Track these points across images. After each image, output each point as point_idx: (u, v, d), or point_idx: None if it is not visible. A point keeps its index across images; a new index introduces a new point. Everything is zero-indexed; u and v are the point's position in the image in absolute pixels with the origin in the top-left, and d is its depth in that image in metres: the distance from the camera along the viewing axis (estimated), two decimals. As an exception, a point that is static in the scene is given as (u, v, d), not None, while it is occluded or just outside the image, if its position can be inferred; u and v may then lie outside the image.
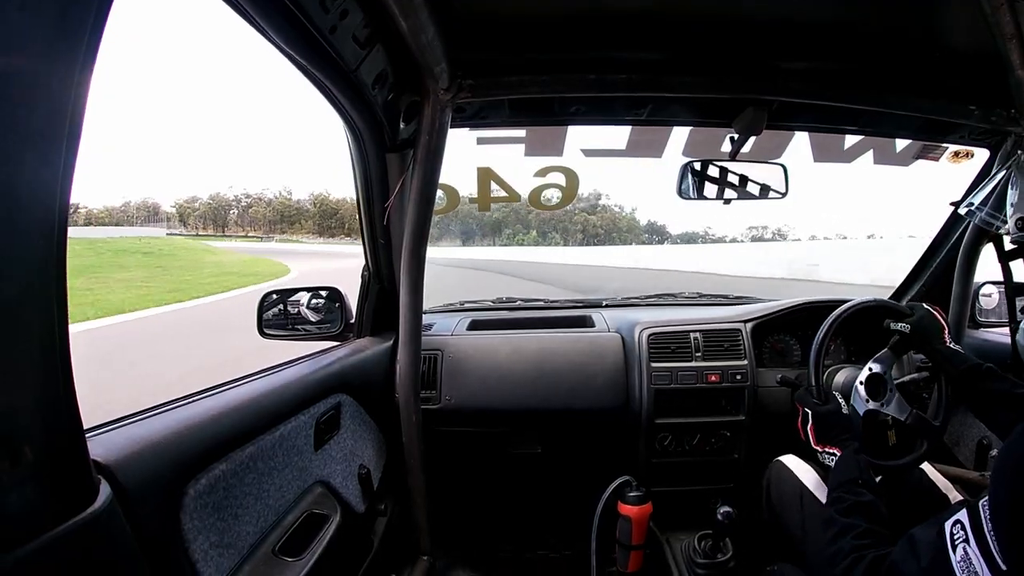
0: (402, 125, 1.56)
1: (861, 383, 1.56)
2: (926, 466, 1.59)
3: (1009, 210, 1.22)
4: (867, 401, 1.54)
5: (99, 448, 0.71)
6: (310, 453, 1.25)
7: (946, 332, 1.55)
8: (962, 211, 1.55)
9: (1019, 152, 1.14)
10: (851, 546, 1.03)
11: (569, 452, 2.23)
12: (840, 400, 1.52)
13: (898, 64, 1.56)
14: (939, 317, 1.57)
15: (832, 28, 1.42)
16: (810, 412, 1.49)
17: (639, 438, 2.06)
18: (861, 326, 1.67)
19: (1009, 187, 1.14)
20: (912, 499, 1.53)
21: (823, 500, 1.47)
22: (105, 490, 0.65)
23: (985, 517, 0.77)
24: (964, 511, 0.81)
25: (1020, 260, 1.33)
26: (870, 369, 1.57)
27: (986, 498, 0.79)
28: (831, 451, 1.39)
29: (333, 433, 1.38)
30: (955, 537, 0.80)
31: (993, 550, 0.74)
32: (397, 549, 1.76)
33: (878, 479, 1.52)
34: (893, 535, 1.04)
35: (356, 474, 1.44)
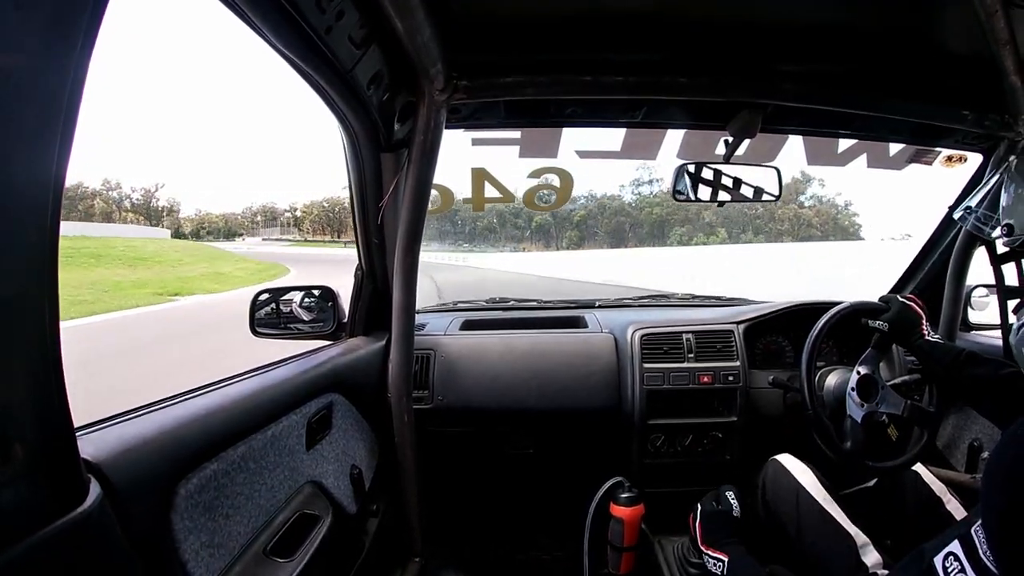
0: (397, 125, 1.56)
1: (853, 389, 1.57)
2: (921, 470, 1.60)
3: (1001, 216, 1.23)
4: (862, 405, 1.55)
5: (90, 447, 0.70)
6: (302, 453, 1.24)
7: (924, 323, 1.56)
8: (956, 216, 1.56)
9: (1012, 158, 1.15)
10: None
11: (561, 453, 2.23)
12: (732, 502, 1.54)
13: (892, 68, 1.57)
14: (915, 308, 1.58)
15: (827, 32, 1.42)
16: (699, 509, 1.53)
17: (631, 439, 2.07)
18: (851, 328, 1.67)
19: (1002, 192, 1.14)
20: (908, 503, 1.54)
21: (819, 500, 1.48)
22: (95, 489, 0.65)
23: (979, 540, 0.75)
24: (956, 542, 0.79)
25: (1012, 263, 1.33)
26: (858, 373, 1.58)
27: (979, 523, 0.78)
28: (716, 555, 1.40)
29: (325, 433, 1.37)
30: (949, 570, 0.78)
31: (991, 567, 0.73)
32: (389, 550, 1.76)
33: (872, 483, 1.53)
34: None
35: (348, 474, 1.44)
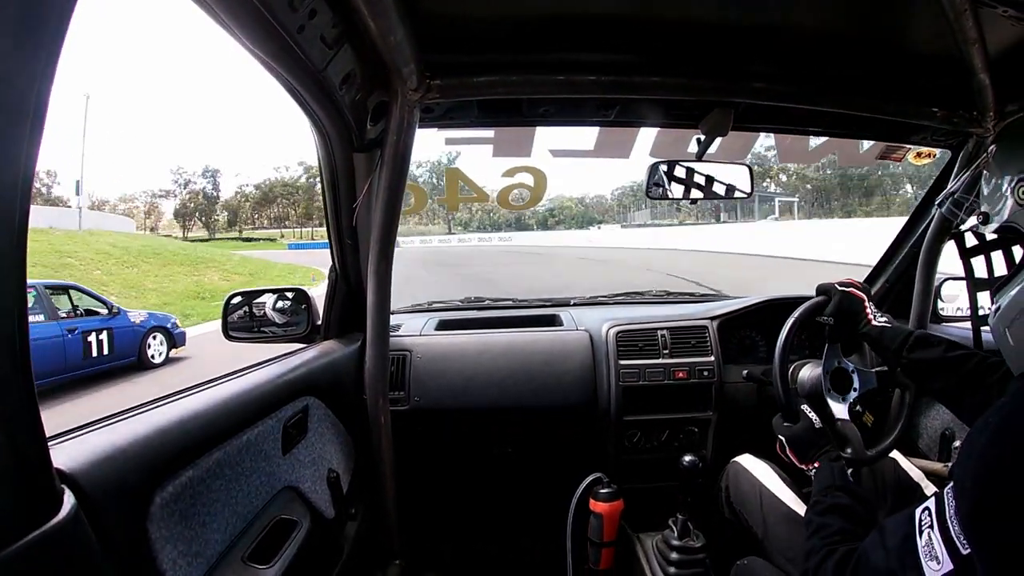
0: (370, 125, 1.55)
1: (829, 389, 1.57)
2: (899, 457, 1.63)
3: (981, 205, 1.26)
4: (843, 400, 1.57)
5: (62, 456, 0.68)
6: (278, 458, 1.23)
7: (867, 307, 1.54)
8: (937, 202, 1.58)
9: (991, 147, 1.18)
10: (824, 543, 1.05)
11: (540, 450, 2.24)
12: (810, 415, 1.47)
13: (863, 68, 1.60)
14: (855, 293, 1.56)
15: (798, 33, 1.45)
16: (783, 438, 1.47)
17: (608, 435, 2.08)
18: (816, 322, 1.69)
19: (982, 183, 1.17)
20: (887, 490, 1.57)
21: (783, 499, 1.50)
22: (69, 500, 0.63)
23: (948, 504, 0.79)
24: (932, 499, 0.84)
25: (981, 256, 1.35)
26: (827, 372, 1.59)
27: (950, 485, 0.81)
28: (812, 466, 1.37)
29: (301, 437, 1.36)
30: (922, 523, 0.83)
31: (954, 534, 0.77)
32: (369, 553, 1.74)
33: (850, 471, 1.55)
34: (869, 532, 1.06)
35: (325, 478, 1.42)
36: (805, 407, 1.50)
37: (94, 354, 8.36)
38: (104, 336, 8.53)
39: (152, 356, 9.45)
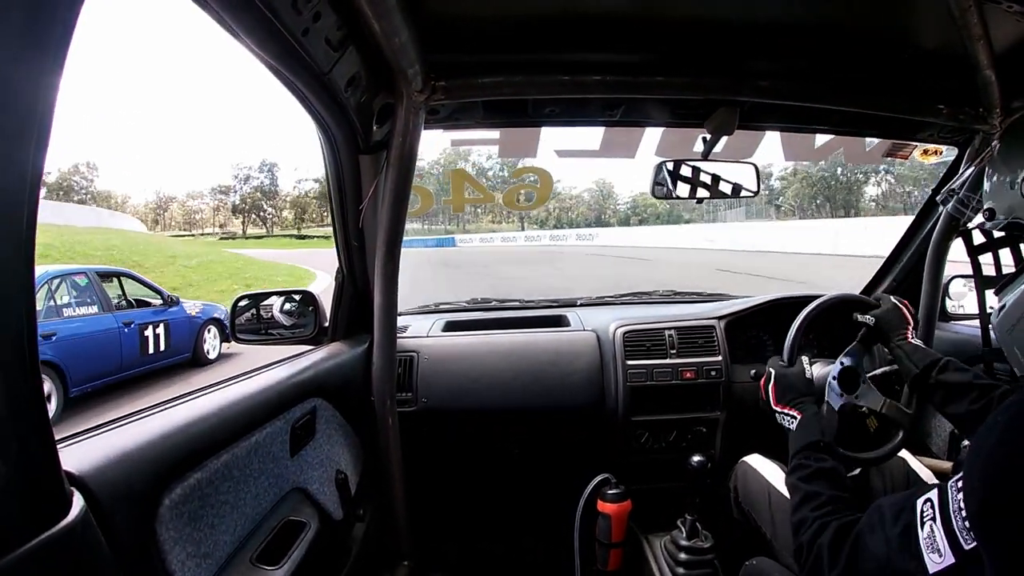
0: (375, 127, 1.55)
1: (834, 378, 1.58)
2: (908, 456, 1.62)
3: (986, 202, 1.25)
4: (842, 395, 1.56)
5: (72, 459, 0.69)
6: (286, 459, 1.23)
7: (910, 328, 1.56)
8: (939, 200, 1.58)
9: (995, 143, 1.17)
10: (814, 515, 1.05)
11: (547, 451, 2.24)
12: (806, 365, 1.53)
13: (868, 65, 1.59)
14: (905, 312, 1.58)
15: (802, 30, 1.44)
16: (773, 371, 1.51)
17: (616, 436, 2.08)
18: (832, 322, 1.69)
19: (984, 179, 1.17)
20: (897, 490, 1.56)
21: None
22: (79, 502, 0.64)
23: (953, 498, 0.79)
24: (935, 491, 0.84)
25: (989, 254, 1.35)
26: (842, 363, 1.59)
27: (954, 479, 0.81)
28: (790, 412, 1.40)
29: (309, 439, 1.36)
30: (924, 514, 0.83)
31: (956, 528, 0.77)
32: (377, 555, 1.75)
33: (857, 471, 1.54)
34: (857, 501, 1.06)
35: (333, 480, 1.43)
36: (804, 358, 1.55)
37: (151, 350, 7.51)
38: (160, 329, 7.67)
39: (208, 351, 8.57)
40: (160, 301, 8.01)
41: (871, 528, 0.92)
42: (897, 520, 0.87)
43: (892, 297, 1.63)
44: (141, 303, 7.88)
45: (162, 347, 7.66)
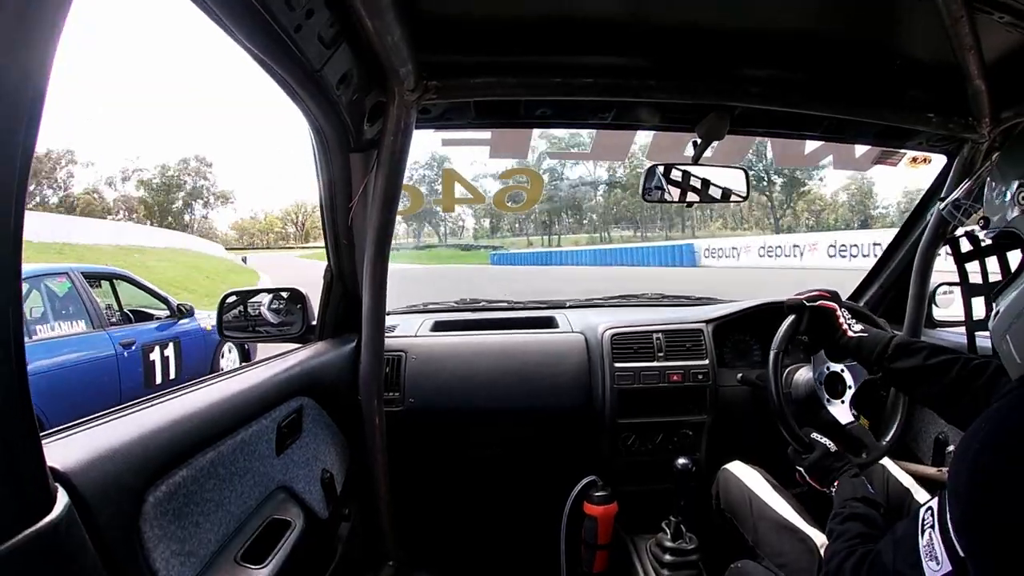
0: (367, 126, 1.55)
1: (829, 400, 1.59)
2: (889, 463, 1.63)
3: (987, 209, 1.27)
4: (845, 401, 1.58)
5: (56, 454, 0.68)
6: (272, 458, 1.23)
7: (839, 317, 1.52)
8: (941, 209, 1.59)
9: (994, 157, 1.19)
10: (844, 546, 1.06)
11: (534, 453, 2.24)
12: (823, 441, 1.47)
13: (859, 73, 1.60)
14: (824, 305, 1.55)
15: (794, 37, 1.45)
16: (801, 470, 1.46)
17: (603, 438, 2.08)
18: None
19: (985, 189, 1.18)
20: (877, 495, 1.57)
21: (773, 506, 1.50)
22: (63, 498, 0.63)
23: (947, 506, 0.80)
24: (936, 499, 0.85)
25: (976, 262, 1.36)
26: (820, 383, 1.60)
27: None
28: (833, 487, 1.37)
29: (295, 437, 1.36)
30: (925, 522, 0.84)
31: (953, 537, 0.78)
32: (362, 554, 1.74)
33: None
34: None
35: (319, 479, 1.42)
36: (815, 435, 1.49)
37: (158, 380, 5.41)
38: (170, 351, 5.65)
39: (227, 375, 6.73)
40: (166, 312, 6.01)
41: (886, 545, 0.93)
42: (904, 532, 0.89)
43: (802, 300, 1.59)
44: (142, 315, 5.98)
45: (172, 374, 5.61)
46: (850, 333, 1.49)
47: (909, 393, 1.47)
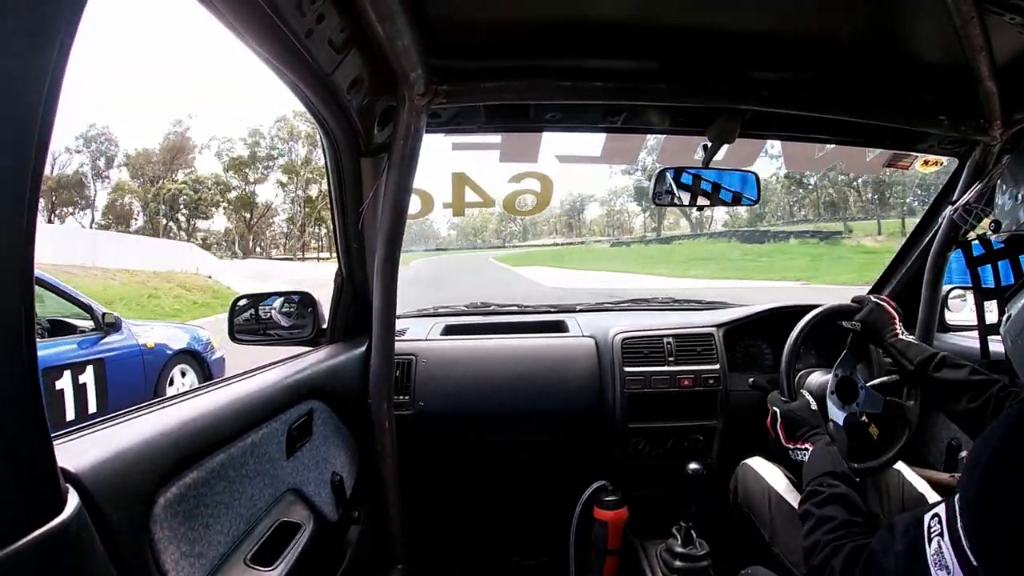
0: (377, 130, 1.56)
1: (832, 392, 1.58)
2: (904, 468, 1.62)
3: (999, 214, 1.26)
4: (842, 407, 1.56)
5: (67, 456, 0.69)
6: (282, 460, 1.23)
7: (898, 323, 1.56)
8: (952, 212, 1.58)
9: (1006, 158, 1.18)
10: (828, 539, 1.04)
11: (544, 457, 2.23)
12: (808, 397, 1.54)
13: (869, 75, 1.59)
14: (888, 308, 1.59)
15: (804, 40, 1.45)
16: (778, 411, 1.51)
17: (613, 442, 2.08)
18: (828, 331, 1.69)
19: (996, 193, 1.17)
20: (891, 500, 1.56)
21: (791, 501, 1.49)
22: (73, 499, 0.63)
23: (959, 513, 0.79)
24: (943, 506, 0.83)
25: (988, 265, 1.35)
26: (836, 375, 1.59)
27: (958, 495, 0.81)
28: (802, 447, 1.40)
29: (305, 440, 1.36)
30: (931, 530, 0.82)
31: (965, 546, 0.76)
32: (371, 558, 1.74)
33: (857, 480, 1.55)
34: (871, 526, 1.05)
35: (329, 482, 1.42)
36: (804, 390, 1.57)
37: (70, 414, 4.21)
38: (89, 375, 4.41)
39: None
40: (91, 325, 4.76)
41: (883, 547, 0.91)
42: (906, 536, 0.87)
43: (872, 296, 1.64)
44: (59, 327, 4.73)
45: (92, 406, 4.42)
46: (901, 336, 1.54)
47: (941, 406, 1.48)
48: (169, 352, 5.34)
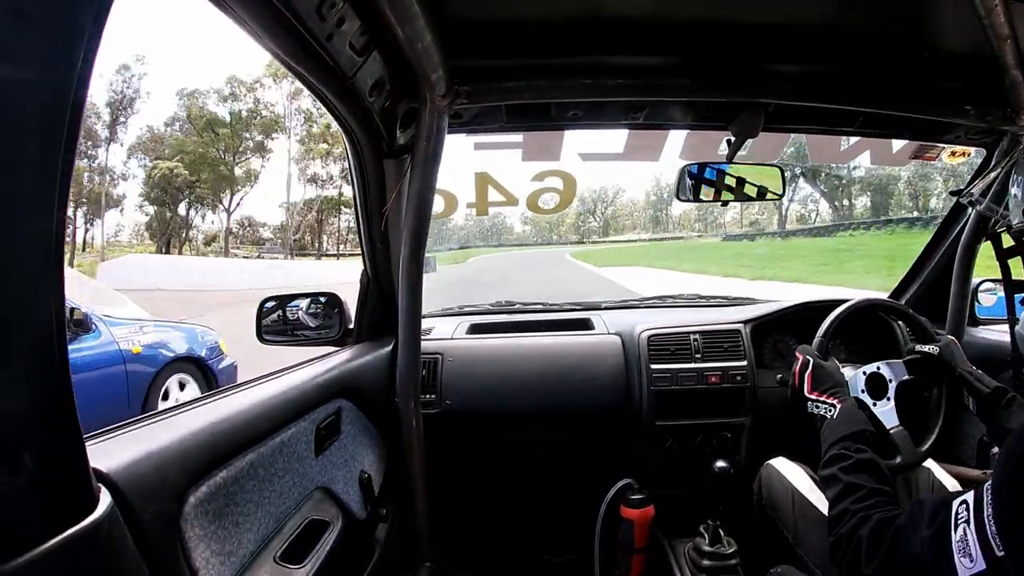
0: (399, 132, 1.57)
1: (863, 390, 1.55)
2: (933, 466, 1.59)
3: (1013, 205, 1.23)
4: (875, 404, 1.53)
5: (99, 455, 0.70)
6: (311, 459, 1.25)
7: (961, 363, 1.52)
8: (963, 200, 1.55)
9: (1019, 147, 1.15)
10: (856, 508, 1.03)
11: (571, 455, 2.23)
12: (836, 363, 1.50)
13: (893, 66, 1.57)
14: (960, 348, 1.55)
15: (827, 31, 1.43)
16: (811, 359, 1.47)
17: (640, 440, 2.07)
18: (859, 327, 1.67)
19: (1011, 184, 1.15)
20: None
21: (814, 502, 1.47)
22: (105, 499, 0.65)
23: (987, 502, 0.78)
24: (971, 493, 0.82)
25: (1019, 258, 1.32)
26: (877, 368, 1.55)
27: (988, 484, 0.80)
28: (828, 401, 1.36)
29: (333, 439, 1.38)
30: (959, 516, 0.82)
31: (990, 534, 0.76)
32: (399, 555, 1.75)
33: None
34: (897, 496, 1.04)
35: (357, 480, 1.44)
36: (834, 360, 1.52)
37: None
38: None
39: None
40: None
41: (912, 525, 0.90)
42: (933, 520, 0.86)
43: (949, 336, 1.59)
44: None
45: None
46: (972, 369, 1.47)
47: (1000, 439, 1.43)
48: (162, 359, 4.58)
